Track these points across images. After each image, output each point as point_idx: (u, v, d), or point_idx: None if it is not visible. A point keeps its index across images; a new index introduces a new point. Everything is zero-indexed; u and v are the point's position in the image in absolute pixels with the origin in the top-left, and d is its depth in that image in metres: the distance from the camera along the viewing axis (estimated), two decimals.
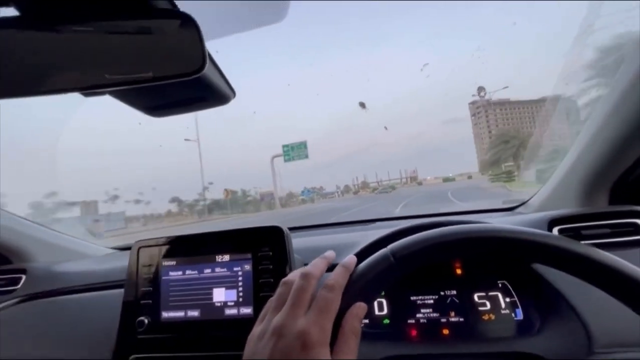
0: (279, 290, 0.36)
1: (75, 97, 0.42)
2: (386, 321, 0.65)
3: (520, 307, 0.62)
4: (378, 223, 1.09)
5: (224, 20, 0.48)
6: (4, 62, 0.37)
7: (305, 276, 0.35)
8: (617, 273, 0.31)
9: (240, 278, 0.67)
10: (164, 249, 0.73)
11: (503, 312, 0.62)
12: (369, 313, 0.66)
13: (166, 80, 0.39)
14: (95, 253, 1.13)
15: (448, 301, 0.65)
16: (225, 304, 0.66)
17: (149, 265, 0.72)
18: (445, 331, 0.62)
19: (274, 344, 0.30)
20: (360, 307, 0.34)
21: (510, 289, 0.64)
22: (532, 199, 1.00)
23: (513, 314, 0.61)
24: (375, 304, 0.67)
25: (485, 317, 0.62)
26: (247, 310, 0.65)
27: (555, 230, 0.68)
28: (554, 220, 0.69)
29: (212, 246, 0.71)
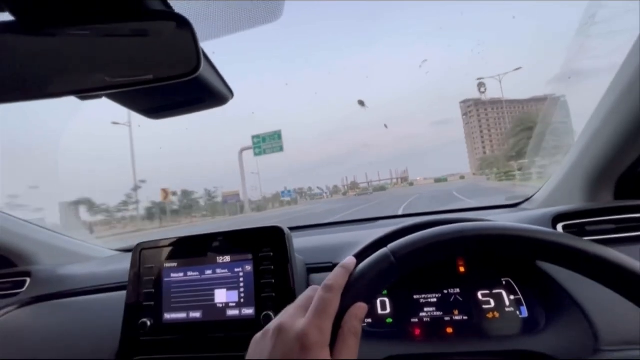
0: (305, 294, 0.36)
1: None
2: (389, 320, 0.65)
3: (524, 304, 0.61)
4: (380, 222, 1.09)
5: (218, 21, 0.48)
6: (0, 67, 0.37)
7: (329, 288, 0.34)
8: (621, 270, 0.30)
9: (241, 279, 0.67)
10: (166, 250, 0.73)
11: (507, 309, 0.61)
12: (372, 312, 0.65)
13: (162, 82, 0.39)
14: (98, 255, 1.14)
15: (451, 299, 0.64)
16: (227, 305, 0.66)
17: (151, 267, 0.72)
18: (449, 330, 0.61)
19: (273, 344, 0.31)
20: (360, 307, 0.33)
21: (515, 286, 0.63)
22: (536, 194, 0.99)
23: (518, 312, 0.61)
24: (378, 302, 0.67)
25: (490, 315, 0.61)
26: (248, 311, 0.65)
27: (559, 227, 0.67)
28: (558, 216, 0.68)
29: (213, 247, 0.71)
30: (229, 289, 0.67)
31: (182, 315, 0.68)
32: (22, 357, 0.76)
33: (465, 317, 0.62)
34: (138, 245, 0.76)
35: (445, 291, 0.65)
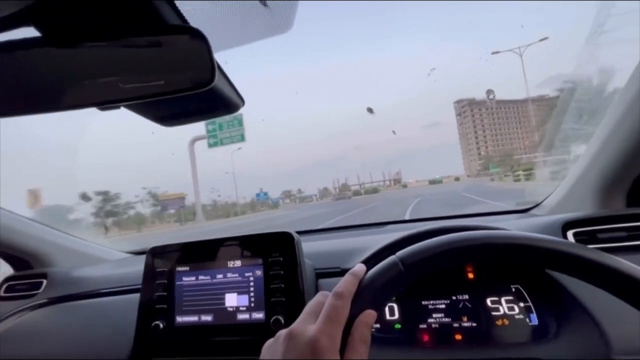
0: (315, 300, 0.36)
1: None
2: (397, 326, 0.65)
3: (534, 312, 0.60)
4: (389, 226, 1.09)
5: (231, 32, 0.49)
6: (26, 81, 0.39)
7: (339, 296, 0.34)
8: (633, 280, 0.30)
9: (251, 283, 0.68)
10: (177, 254, 0.75)
11: (517, 317, 0.61)
12: (380, 318, 0.66)
13: (178, 94, 0.41)
14: (110, 257, 1.17)
15: (460, 306, 0.64)
16: (237, 309, 0.67)
17: (163, 271, 0.74)
18: (458, 336, 0.61)
19: (284, 350, 0.31)
20: (369, 314, 0.34)
21: (524, 293, 0.63)
22: (546, 200, 0.98)
23: (527, 319, 0.60)
24: (387, 308, 0.67)
25: (499, 322, 0.61)
26: (258, 316, 0.65)
27: (569, 234, 0.66)
28: (568, 223, 0.68)
29: (224, 252, 0.72)
30: (239, 293, 0.68)
31: (193, 319, 0.69)
32: (38, 357, 0.78)
33: (474, 324, 0.62)
34: (151, 249, 0.77)
35: (454, 297, 0.65)
